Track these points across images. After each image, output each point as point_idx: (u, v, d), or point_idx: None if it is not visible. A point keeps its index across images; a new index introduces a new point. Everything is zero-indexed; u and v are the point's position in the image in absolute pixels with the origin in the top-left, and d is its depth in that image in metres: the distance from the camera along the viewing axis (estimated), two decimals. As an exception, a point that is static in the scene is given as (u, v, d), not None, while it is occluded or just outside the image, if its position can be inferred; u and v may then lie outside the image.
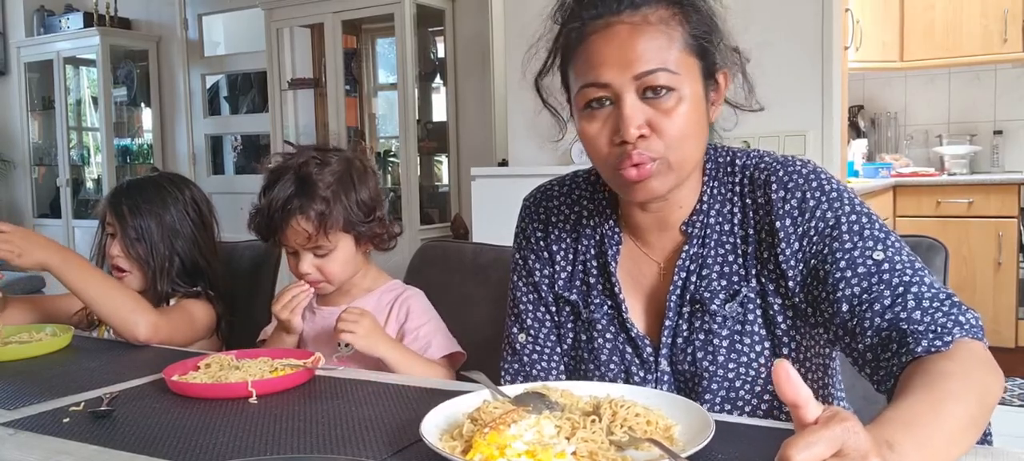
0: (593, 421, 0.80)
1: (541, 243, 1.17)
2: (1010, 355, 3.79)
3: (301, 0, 4.83)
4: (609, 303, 1.11)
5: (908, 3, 4.24)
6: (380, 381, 1.17)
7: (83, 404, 1.06)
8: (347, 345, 1.42)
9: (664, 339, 1.06)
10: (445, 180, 5.06)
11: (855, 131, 4.49)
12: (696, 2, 0.99)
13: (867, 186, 3.64)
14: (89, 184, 6.27)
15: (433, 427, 0.84)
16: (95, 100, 6.16)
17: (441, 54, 4.93)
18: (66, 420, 1.00)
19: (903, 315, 0.88)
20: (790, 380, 0.61)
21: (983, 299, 3.86)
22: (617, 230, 1.12)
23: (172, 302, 1.68)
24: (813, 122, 3.04)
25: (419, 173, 4.81)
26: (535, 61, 1.08)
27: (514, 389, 0.95)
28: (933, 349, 0.84)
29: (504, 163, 4.02)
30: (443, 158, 5.04)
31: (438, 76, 4.97)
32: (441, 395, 1.07)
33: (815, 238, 0.98)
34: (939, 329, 0.86)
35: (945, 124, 4.50)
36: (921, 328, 0.86)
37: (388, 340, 1.40)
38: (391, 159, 5.05)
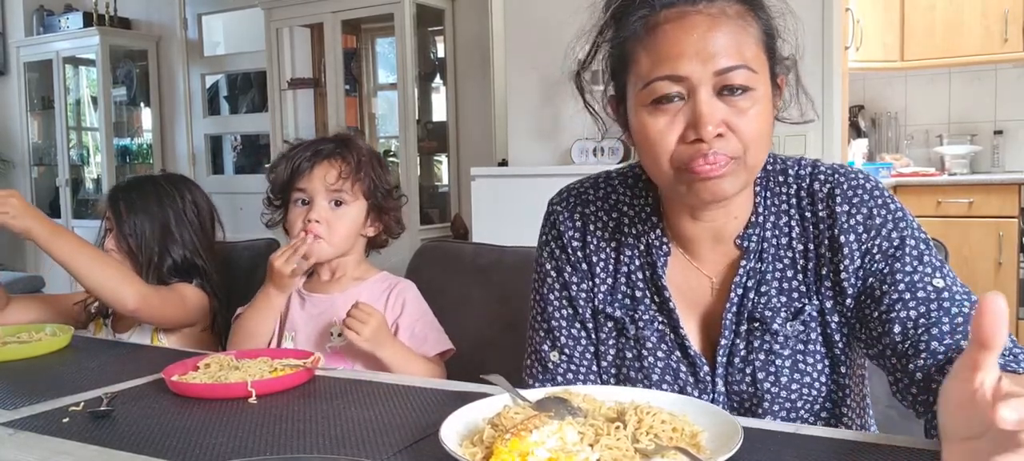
0: (617, 428, 0.78)
1: (579, 253, 1.07)
2: (1010, 355, 3.79)
3: (301, 0, 4.83)
4: (660, 319, 1.03)
5: (909, 3, 4.24)
6: (380, 381, 1.17)
7: (83, 404, 1.06)
8: (340, 334, 1.42)
9: (719, 358, 1.00)
10: (445, 180, 5.06)
11: (855, 131, 4.48)
12: (764, 2, 0.95)
13: (867, 186, 3.63)
14: (88, 184, 6.27)
15: (452, 432, 0.82)
16: (95, 100, 6.16)
17: (441, 54, 4.93)
18: (66, 420, 1.00)
19: (965, 344, 0.83)
20: (998, 321, 0.56)
21: (983, 299, 3.86)
22: (665, 240, 1.04)
23: None
24: (813, 122, 3.04)
25: (419, 173, 4.81)
26: (580, 56, 1.01)
27: (535, 393, 0.91)
28: (1009, 369, 0.80)
29: (504, 163, 4.01)
30: (443, 158, 5.04)
31: (438, 76, 4.96)
32: (442, 395, 1.07)
33: (877, 256, 0.94)
34: (1009, 355, 0.81)
35: (945, 124, 4.49)
36: None
37: (392, 342, 1.40)
38: (391, 159, 5.05)
